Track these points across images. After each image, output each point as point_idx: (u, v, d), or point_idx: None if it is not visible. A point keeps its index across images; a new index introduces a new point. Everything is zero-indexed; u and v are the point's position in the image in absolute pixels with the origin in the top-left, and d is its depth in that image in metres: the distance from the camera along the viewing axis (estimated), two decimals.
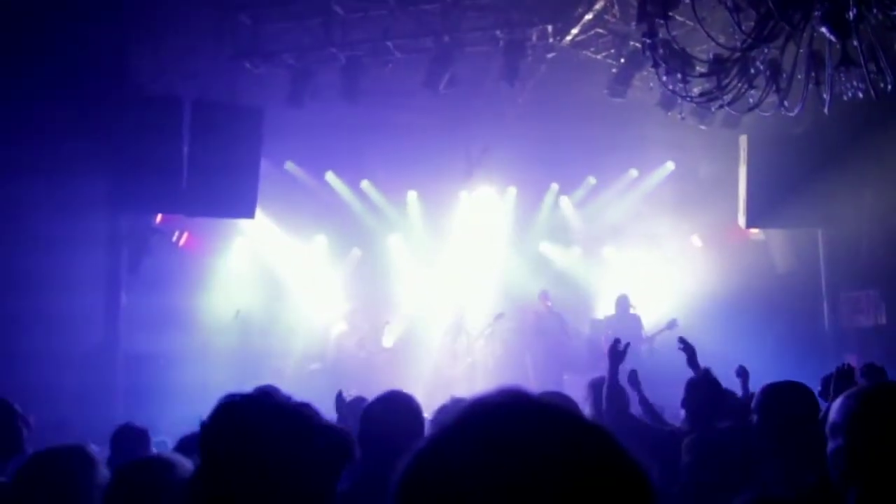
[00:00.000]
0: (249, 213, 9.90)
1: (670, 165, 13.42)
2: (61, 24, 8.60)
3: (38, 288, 8.12)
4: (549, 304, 12.24)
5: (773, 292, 11.94)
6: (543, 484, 0.74)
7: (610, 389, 4.72)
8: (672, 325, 11.61)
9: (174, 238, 11.58)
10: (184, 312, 10.95)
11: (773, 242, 12.45)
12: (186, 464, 2.36)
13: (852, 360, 11.10)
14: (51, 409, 7.75)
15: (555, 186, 13.82)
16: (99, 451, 3.18)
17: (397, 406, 3.24)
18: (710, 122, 10.61)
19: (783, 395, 3.47)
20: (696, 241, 13.48)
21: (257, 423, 1.71)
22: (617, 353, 4.91)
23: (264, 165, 11.48)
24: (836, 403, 2.23)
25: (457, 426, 0.80)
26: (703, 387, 4.61)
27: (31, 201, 8.26)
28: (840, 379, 4.37)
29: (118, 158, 8.95)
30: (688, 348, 5.49)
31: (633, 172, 13.65)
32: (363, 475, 2.79)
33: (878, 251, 10.99)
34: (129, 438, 4.14)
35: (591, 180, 13.79)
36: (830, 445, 2.19)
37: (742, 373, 5.68)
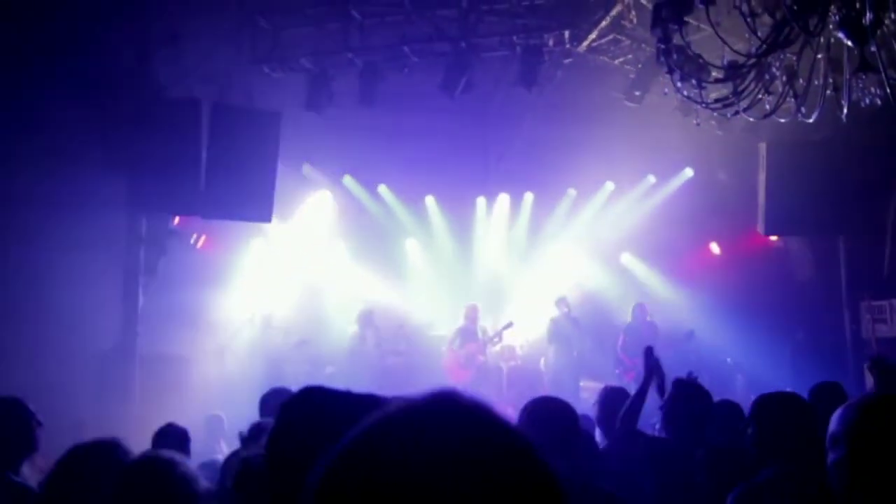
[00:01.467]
0: (266, 217, 9.96)
1: (689, 172, 13.36)
2: (84, 29, 8.72)
3: (56, 287, 8.21)
4: (566, 310, 12.19)
5: (793, 301, 11.83)
6: (457, 488, 0.74)
7: (635, 397, 4.64)
8: (689, 336, 11.55)
9: (192, 240, 11.70)
10: (201, 313, 11.05)
11: (792, 250, 12.34)
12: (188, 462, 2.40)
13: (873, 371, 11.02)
14: (68, 408, 7.85)
15: (572, 192, 13.80)
16: None
17: None
18: (729, 128, 10.54)
19: (778, 405, 3.42)
20: (715, 248, 13.40)
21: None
22: (651, 366, 4.72)
23: (282, 169, 11.61)
24: (836, 414, 2.21)
25: (378, 425, 0.80)
26: (693, 393, 4.52)
27: (52, 201, 8.36)
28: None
29: (138, 159, 9.04)
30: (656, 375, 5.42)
31: (651, 179, 13.60)
32: None
33: None
34: (171, 437, 4.20)
35: (609, 186, 13.75)
36: (831, 456, 2.17)
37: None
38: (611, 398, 5.23)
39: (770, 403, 3.41)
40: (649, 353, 4.78)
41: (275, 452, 1.67)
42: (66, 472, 2.95)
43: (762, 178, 10.90)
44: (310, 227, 13.26)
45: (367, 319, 11.81)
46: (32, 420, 3.87)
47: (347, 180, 13.39)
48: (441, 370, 12.30)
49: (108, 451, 2.99)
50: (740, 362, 11.36)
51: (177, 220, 10.67)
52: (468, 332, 12.20)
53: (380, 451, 0.78)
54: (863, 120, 9.15)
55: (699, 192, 13.00)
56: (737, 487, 3.13)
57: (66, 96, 8.47)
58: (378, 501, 0.73)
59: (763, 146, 10.83)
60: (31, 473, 3.62)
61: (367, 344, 11.61)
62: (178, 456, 2.57)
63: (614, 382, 8.96)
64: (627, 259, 13.73)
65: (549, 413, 3.31)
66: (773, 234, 11.50)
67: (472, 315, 12.31)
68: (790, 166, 10.58)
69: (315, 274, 13.14)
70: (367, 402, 1.63)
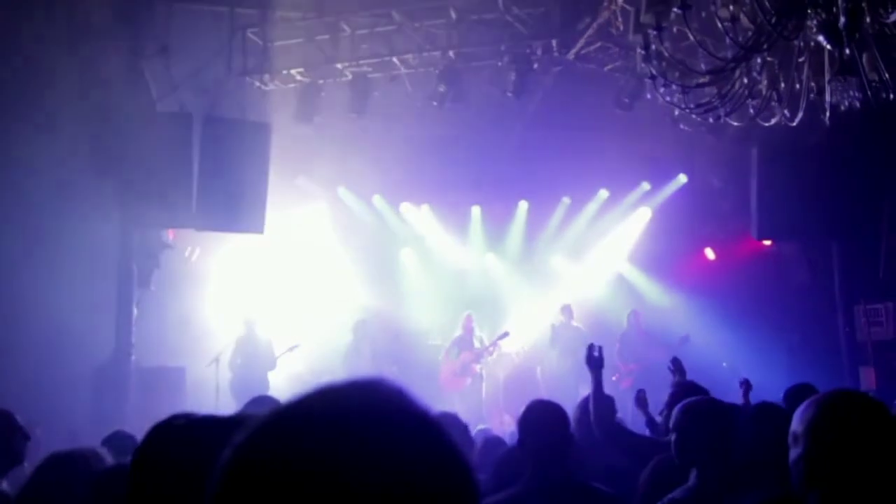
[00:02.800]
0: (259, 228, 10.00)
1: (682, 178, 13.38)
2: (74, 42, 8.79)
3: (49, 302, 8.23)
4: (570, 318, 12.21)
5: (787, 304, 11.85)
6: (369, 474, 0.75)
7: (596, 400, 4.66)
8: (684, 341, 11.55)
9: (187, 253, 11.74)
10: (196, 325, 11.08)
11: (786, 254, 12.36)
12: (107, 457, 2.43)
13: (869, 373, 11.04)
14: (62, 420, 7.88)
15: (566, 200, 13.83)
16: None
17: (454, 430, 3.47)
18: (721, 133, 10.57)
19: (697, 412, 3.41)
20: (710, 253, 13.42)
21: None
22: (595, 360, 4.76)
23: (276, 181, 11.65)
24: (796, 412, 2.23)
25: (295, 405, 0.81)
26: (689, 395, 4.55)
27: (43, 215, 8.41)
28: None
29: (129, 173, 9.09)
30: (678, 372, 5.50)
31: (646, 185, 13.63)
32: None
33: (895, 262, 10.87)
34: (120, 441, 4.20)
35: (604, 194, 13.78)
36: (791, 454, 2.19)
37: (744, 384, 5.61)
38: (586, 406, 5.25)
39: (687, 410, 3.39)
40: (590, 352, 4.79)
41: (135, 485, 1.64)
42: (42, 480, 2.99)
43: (754, 183, 10.94)
44: (305, 238, 13.28)
45: (363, 329, 11.81)
46: (18, 433, 3.89)
47: (342, 191, 13.42)
48: (437, 380, 12.30)
49: (83, 459, 3.03)
50: (736, 366, 11.33)
51: (172, 234, 10.72)
52: (464, 342, 12.20)
53: (292, 427, 0.78)
54: (854, 124, 9.25)
55: (693, 198, 13.03)
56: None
57: (57, 110, 8.53)
58: (287, 476, 0.74)
59: (754, 152, 10.86)
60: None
61: (361, 354, 11.61)
62: None
63: (610, 390, 8.97)
64: (622, 265, 13.74)
65: (543, 416, 3.34)
66: (766, 238, 11.52)
67: (467, 324, 12.33)
68: (782, 171, 10.61)
69: (311, 284, 13.15)
70: (231, 426, 1.59)
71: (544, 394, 12.05)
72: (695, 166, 12.84)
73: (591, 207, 13.86)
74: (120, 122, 9.06)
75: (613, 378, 11.61)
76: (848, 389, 2.24)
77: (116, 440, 4.17)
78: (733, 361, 11.52)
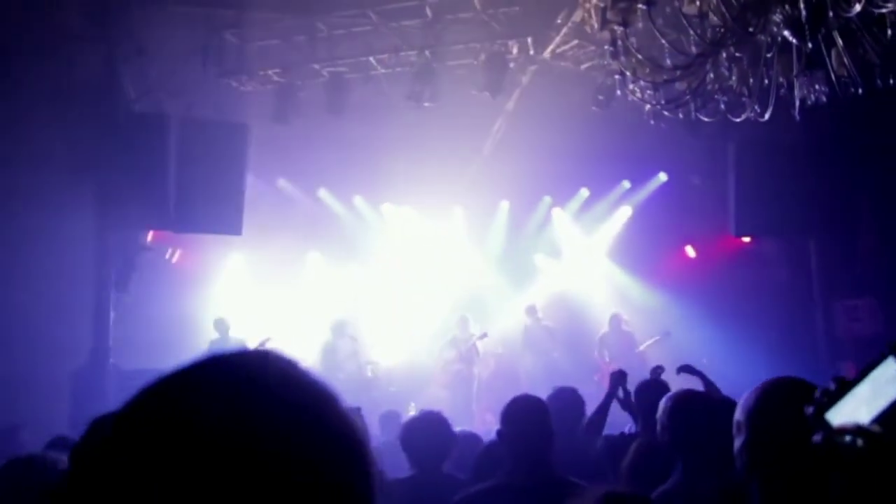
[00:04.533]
0: (237, 230, 9.97)
1: (662, 176, 13.43)
2: (49, 44, 8.74)
3: (25, 307, 8.18)
4: (537, 318, 12.27)
5: (766, 301, 11.90)
6: (251, 440, 0.73)
7: (598, 415, 4.74)
8: (665, 335, 11.64)
9: (167, 255, 11.69)
10: (177, 329, 11.02)
11: (765, 251, 12.41)
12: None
13: (849, 369, 11.11)
14: (40, 426, 7.81)
15: (547, 199, 13.85)
16: None
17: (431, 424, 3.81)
18: (697, 131, 10.60)
19: (685, 405, 3.43)
20: (690, 251, 13.47)
21: None
22: (616, 382, 4.99)
23: (257, 183, 11.61)
24: (740, 401, 2.24)
25: (178, 375, 0.80)
26: (651, 390, 4.60)
27: (18, 218, 8.35)
28: None
29: (106, 175, 9.04)
30: (697, 373, 5.53)
31: (626, 184, 13.67)
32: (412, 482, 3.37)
33: (875, 258, 10.94)
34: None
35: (584, 192, 13.81)
36: (735, 444, 2.20)
37: (687, 369, 5.63)
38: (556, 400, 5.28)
39: (676, 401, 3.40)
40: (615, 378, 4.94)
41: None
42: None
43: (731, 180, 11.00)
44: (285, 239, 13.23)
45: (340, 329, 11.79)
46: None
47: (323, 193, 13.40)
48: (422, 380, 12.32)
49: (41, 463, 3.00)
50: (716, 362, 11.37)
51: (151, 236, 10.67)
52: (459, 343, 12.35)
53: (173, 392, 0.78)
54: (829, 121, 9.31)
55: (673, 195, 13.07)
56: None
57: (32, 112, 8.47)
58: (164, 439, 0.73)
59: (731, 149, 10.93)
60: None
61: (337, 354, 11.57)
62: None
63: (592, 388, 9.00)
64: (604, 264, 13.77)
65: (524, 411, 3.35)
66: (744, 234, 11.58)
67: (463, 326, 12.44)
68: (759, 168, 10.67)
69: (293, 287, 13.12)
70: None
71: (525, 391, 12.09)
72: (674, 164, 12.88)
73: (572, 206, 13.89)
74: (96, 124, 9.01)
75: (596, 377, 11.66)
76: (788, 377, 2.24)
77: (60, 444, 4.13)
78: (713, 357, 11.56)
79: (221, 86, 9.90)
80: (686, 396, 3.38)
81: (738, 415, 2.20)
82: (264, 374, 0.80)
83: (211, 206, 9.53)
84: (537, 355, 11.92)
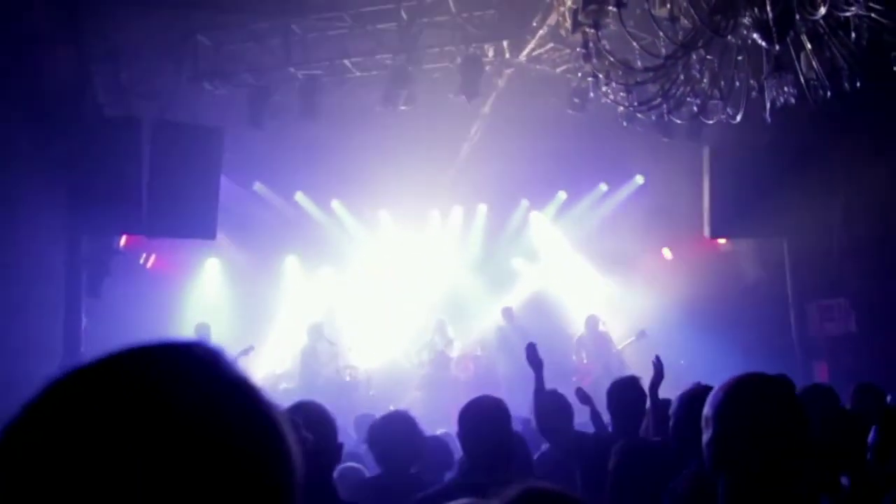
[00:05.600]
0: (210, 234, 9.90)
1: (639, 179, 13.51)
2: (19, 46, 8.63)
3: None
4: (510, 320, 12.31)
5: (741, 302, 12.01)
6: (165, 427, 0.72)
7: (537, 398, 4.71)
8: (641, 335, 11.72)
9: (141, 260, 11.59)
10: (152, 335, 10.86)
11: (741, 253, 12.53)
12: None
13: (822, 368, 11.20)
14: None
15: (525, 203, 13.89)
16: None
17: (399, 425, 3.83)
18: (672, 134, 10.68)
19: (696, 402, 3.45)
20: (667, 253, 13.56)
21: None
22: (533, 358, 4.85)
23: (233, 187, 11.54)
24: (709, 397, 2.25)
25: (97, 364, 0.79)
26: (627, 391, 4.62)
27: None
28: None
29: (77, 179, 8.93)
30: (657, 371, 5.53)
31: (603, 187, 13.74)
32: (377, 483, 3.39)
33: (847, 259, 11.06)
34: None
35: (562, 195, 13.86)
36: (703, 438, 2.21)
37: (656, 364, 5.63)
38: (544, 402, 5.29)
39: (688, 399, 3.43)
40: (530, 351, 4.84)
41: None
42: None
43: (706, 182, 11.08)
44: (262, 243, 13.19)
45: (317, 332, 11.74)
46: None
47: (300, 197, 13.36)
48: (400, 383, 12.31)
49: None
50: (693, 362, 11.45)
51: (124, 240, 10.57)
52: (432, 345, 12.35)
53: (89, 381, 0.77)
54: (802, 123, 9.41)
55: (650, 198, 13.14)
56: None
57: (3, 114, 8.36)
58: (74, 429, 0.72)
59: (706, 151, 11.01)
60: None
61: (318, 358, 11.54)
62: None
63: (569, 390, 9.02)
64: (581, 267, 13.83)
65: (483, 413, 3.34)
66: (718, 236, 11.67)
67: (440, 329, 12.45)
68: (733, 170, 10.76)
69: (270, 291, 13.07)
70: None
71: (505, 394, 12.11)
72: (651, 167, 12.95)
73: (550, 209, 13.93)
74: (68, 127, 8.90)
75: (574, 378, 11.69)
76: (755, 373, 2.26)
77: None
78: (691, 358, 11.65)
79: (195, 89, 9.82)
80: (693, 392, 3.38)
81: (707, 410, 2.21)
82: (189, 370, 0.79)
83: (185, 211, 9.45)
84: (512, 357, 11.94)
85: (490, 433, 3.22)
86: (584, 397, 5.58)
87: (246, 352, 11.15)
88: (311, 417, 3.26)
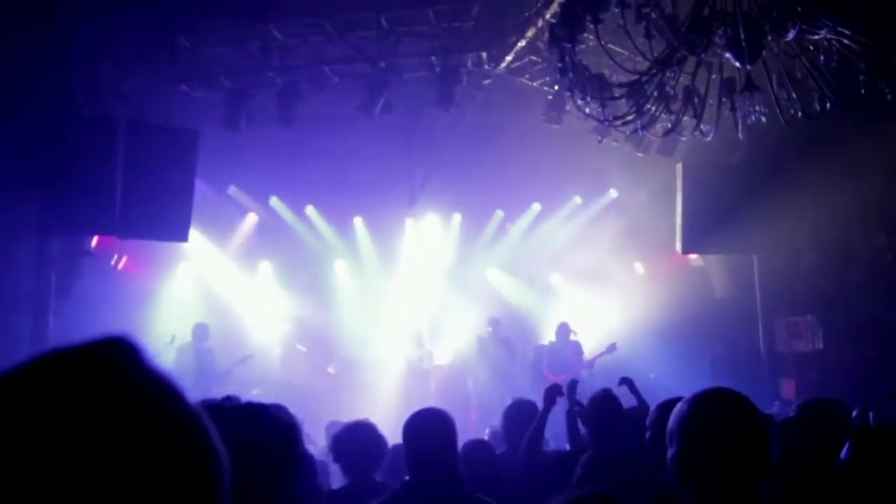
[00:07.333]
0: (183, 237, 9.83)
1: (613, 193, 13.61)
2: None
3: None
4: (497, 330, 12.31)
5: (711, 317, 12.13)
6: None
7: (535, 431, 4.74)
8: (611, 349, 11.77)
9: (112, 261, 11.45)
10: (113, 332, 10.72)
11: (711, 268, 12.67)
12: None
13: (789, 385, 11.32)
14: None
15: (499, 213, 13.94)
16: None
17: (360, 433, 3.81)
18: (646, 149, 10.79)
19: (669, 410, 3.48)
20: (639, 267, 13.67)
21: None
22: (552, 396, 4.94)
23: (208, 190, 11.47)
24: (673, 412, 2.27)
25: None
26: (601, 403, 4.65)
27: None
28: None
29: (50, 179, 8.82)
30: (627, 382, 5.61)
31: (577, 200, 13.83)
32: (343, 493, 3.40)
33: (815, 278, 11.20)
34: None
35: (536, 207, 13.93)
36: (668, 452, 2.22)
37: (626, 382, 5.73)
38: (515, 412, 5.31)
39: (669, 409, 3.45)
40: (550, 392, 4.89)
41: None
42: None
43: (679, 198, 11.18)
44: (236, 249, 13.11)
45: (292, 339, 11.69)
46: None
47: (274, 202, 13.31)
48: (371, 392, 12.26)
49: None
50: (663, 376, 11.55)
51: (95, 241, 10.45)
52: (407, 357, 12.38)
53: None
54: (774, 143, 9.55)
55: (623, 212, 13.26)
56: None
57: None
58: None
59: (679, 167, 11.12)
60: None
61: (291, 365, 11.49)
62: None
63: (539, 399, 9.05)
64: (554, 279, 13.89)
65: (426, 424, 3.31)
66: (690, 252, 11.79)
67: (417, 339, 12.46)
68: (705, 186, 10.87)
69: (241, 295, 12.98)
70: None
71: (475, 406, 12.14)
72: (625, 181, 13.07)
73: (525, 220, 13.99)
74: (43, 126, 8.79)
75: (543, 389, 11.73)
76: (719, 387, 2.28)
77: None
78: (660, 371, 11.74)
79: (173, 91, 9.75)
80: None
81: (672, 424, 2.22)
82: (111, 367, 0.77)
83: (158, 212, 9.37)
84: (492, 367, 11.95)
85: (433, 445, 3.17)
86: (553, 393, 5.57)
87: (244, 360, 11.07)
88: (262, 423, 3.19)
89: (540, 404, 5.10)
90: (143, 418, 0.74)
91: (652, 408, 3.61)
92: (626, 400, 5.15)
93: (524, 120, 10.96)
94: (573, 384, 5.87)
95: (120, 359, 0.78)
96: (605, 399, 4.74)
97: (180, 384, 0.80)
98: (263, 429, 2.48)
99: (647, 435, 3.38)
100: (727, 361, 11.49)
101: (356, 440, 3.76)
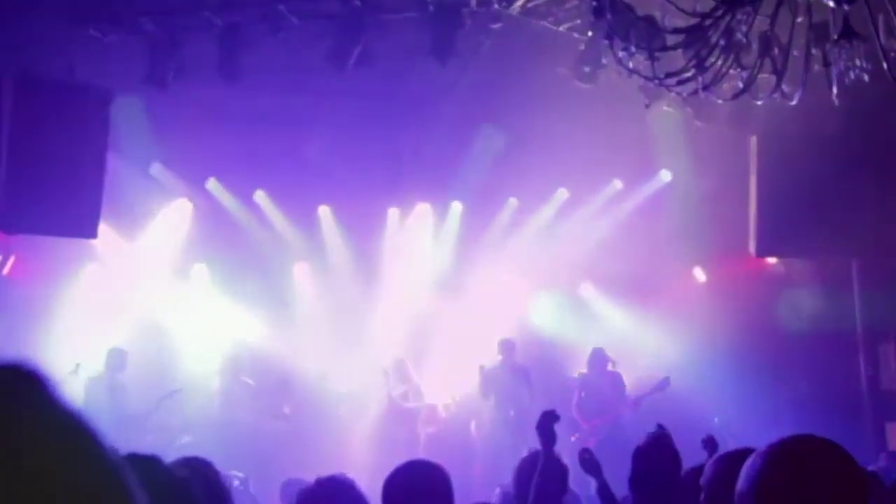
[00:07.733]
0: (91, 232, 9.84)
1: (665, 175, 13.61)
2: None
3: None
4: (502, 357, 12.31)
5: (794, 340, 12.11)
6: None
7: (542, 473, 4.73)
8: (663, 384, 11.78)
9: None
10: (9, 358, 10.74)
11: (795, 277, 12.65)
12: None
13: None
14: None
15: (513, 202, 13.94)
16: None
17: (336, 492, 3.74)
18: (710, 117, 10.78)
19: (735, 467, 3.48)
20: (699, 274, 13.67)
21: None
22: (548, 428, 4.88)
23: (123, 169, 11.47)
24: (743, 468, 2.27)
25: None
26: (653, 458, 4.61)
27: None
28: None
29: None
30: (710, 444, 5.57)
31: (617, 184, 13.83)
32: None
33: None
34: None
35: (562, 194, 13.93)
36: None
37: (709, 444, 5.67)
38: (533, 468, 5.29)
39: (729, 464, 3.46)
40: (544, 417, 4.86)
41: None
42: None
43: (753, 182, 11.17)
44: (161, 247, 13.10)
45: (234, 369, 11.70)
46: None
47: (213, 185, 13.31)
48: (340, 439, 12.29)
49: None
50: (730, 420, 11.58)
51: None
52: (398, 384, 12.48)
53: None
54: (879, 108, 9.54)
55: (679, 201, 13.25)
56: None
57: None
58: None
59: (753, 141, 11.10)
60: None
61: (234, 403, 11.50)
62: None
63: (568, 453, 9.02)
64: (587, 289, 13.89)
65: (412, 484, 3.33)
66: (768, 255, 11.79)
67: (404, 372, 12.52)
68: (789, 168, 10.82)
69: (167, 309, 12.99)
70: None
71: (480, 455, 12.14)
72: (681, 161, 13.07)
73: (546, 211, 13.99)
74: None
75: (573, 438, 11.72)
76: (804, 436, 2.28)
77: None
78: (727, 414, 11.76)
79: (76, 36, 9.73)
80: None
81: (741, 485, 2.24)
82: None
83: (57, 199, 9.37)
84: (502, 404, 11.93)
85: None
86: (590, 465, 5.57)
87: (170, 396, 11.10)
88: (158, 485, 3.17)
89: (566, 458, 5.08)
90: (49, 475, 0.75)
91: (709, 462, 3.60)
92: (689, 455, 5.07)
93: (545, 77, 10.96)
94: (587, 456, 5.76)
95: (17, 394, 0.78)
96: (659, 447, 4.69)
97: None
98: (159, 495, 2.46)
99: (701, 498, 3.38)
100: (815, 399, 11.49)
101: (330, 500, 3.75)
